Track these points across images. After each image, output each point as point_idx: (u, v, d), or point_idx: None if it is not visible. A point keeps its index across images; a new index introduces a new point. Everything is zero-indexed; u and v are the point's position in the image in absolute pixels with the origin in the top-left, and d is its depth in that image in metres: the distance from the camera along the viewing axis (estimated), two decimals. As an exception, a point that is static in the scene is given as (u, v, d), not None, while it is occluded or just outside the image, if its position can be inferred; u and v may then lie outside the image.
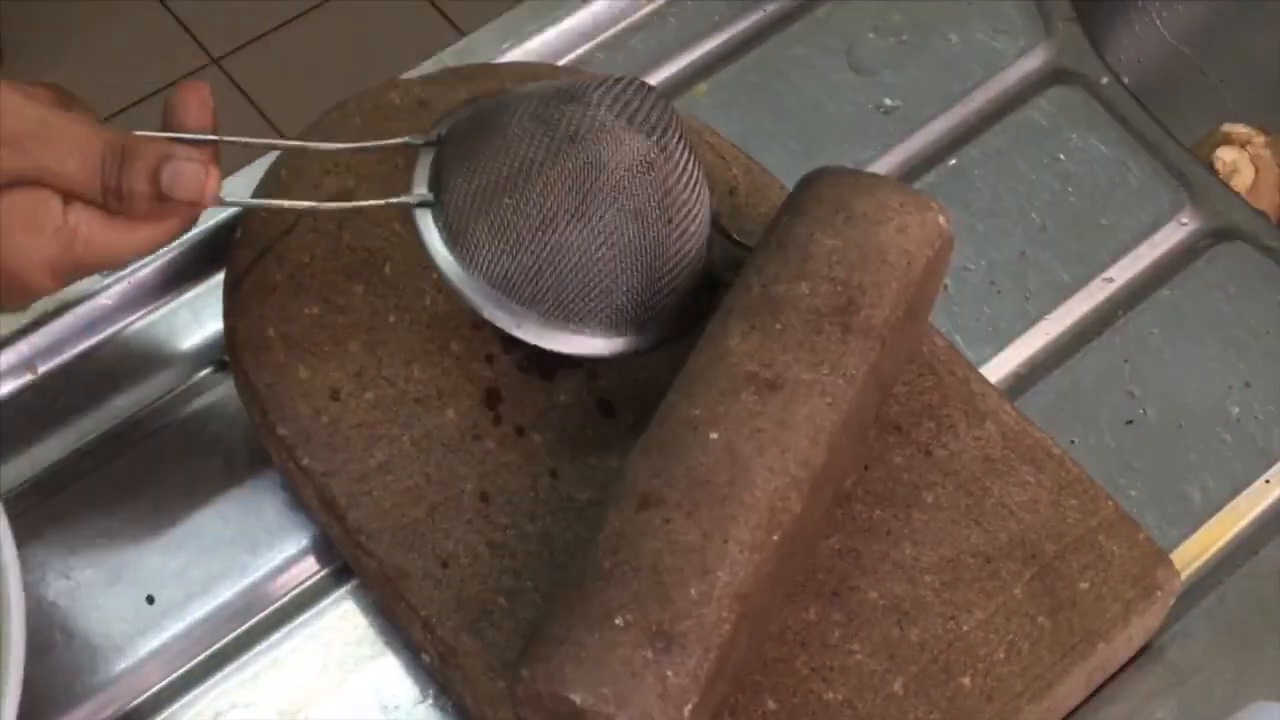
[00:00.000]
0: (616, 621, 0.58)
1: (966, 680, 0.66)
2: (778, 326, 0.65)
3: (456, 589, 0.67)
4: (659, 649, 0.58)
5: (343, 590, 0.72)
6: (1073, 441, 0.77)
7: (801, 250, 0.67)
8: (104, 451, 0.75)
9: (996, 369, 0.79)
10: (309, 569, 0.73)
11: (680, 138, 0.68)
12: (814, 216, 0.68)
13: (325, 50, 1.88)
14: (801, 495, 0.62)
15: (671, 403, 0.65)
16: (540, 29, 0.89)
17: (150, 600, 0.71)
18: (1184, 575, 0.72)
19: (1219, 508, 0.76)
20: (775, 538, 0.61)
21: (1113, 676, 0.71)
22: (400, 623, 0.69)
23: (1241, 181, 0.96)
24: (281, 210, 0.74)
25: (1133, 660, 0.71)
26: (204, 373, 0.78)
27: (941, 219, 0.69)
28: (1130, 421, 0.78)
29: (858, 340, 0.65)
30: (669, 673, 0.58)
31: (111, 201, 0.62)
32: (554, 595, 0.62)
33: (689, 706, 0.58)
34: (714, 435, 0.62)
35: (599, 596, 0.59)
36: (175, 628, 0.71)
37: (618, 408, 0.72)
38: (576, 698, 0.58)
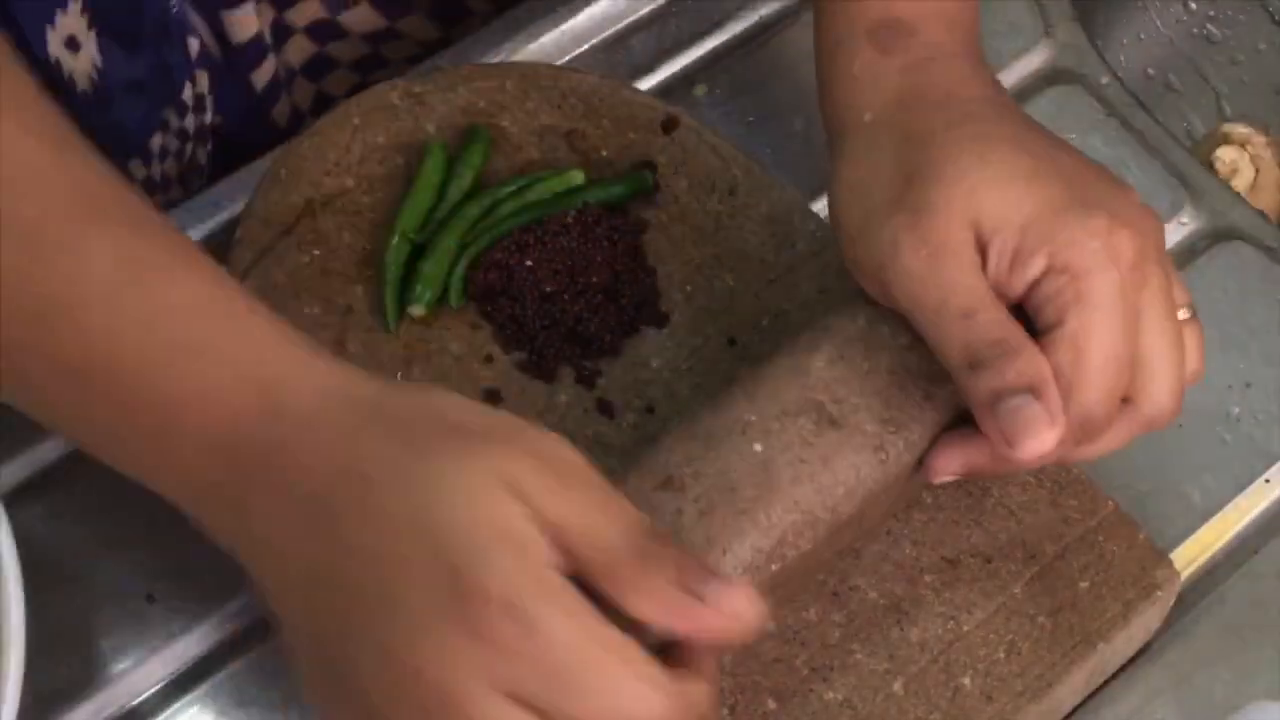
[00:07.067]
0: None
1: (966, 680, 0.66)
2: (865, 366, 0.63)
3: (456, 589, 0.67)
4: None
5: (343, 590, 0.72)
6: (1073, 441, 0.76)
7: None
8: (104, 451, 0.75)
9: (996, 369, 0.79)
10: (309, 569, 0.73)
11: None
12: None
13: (325, 50, 1.88)
14: (815, 537, 0.61)
15: (734, 396, 0.63)
16: (540, 29, 0.88)
17: (150, 600, 0.71)
18: (1184, 575, 0.72)
19: (1219, 508, 0.76)
20: (774, 568, 0.61)
21: (1113, 676, 0.71)
22: (400, 623, 0.69)
23: (1241, 181, 0.96)
24: None
25: (1133, 660, 0.71)
26: (204, 373, 0.78)
27: None
28: (1130, 421, 0.78)
29: (936, 411, 0.63)
30: None
31: None
32: None
33: None
34: (758, 447, 0.61)
35: None
36: (175, 628, 0.71)
37: (618, 408, 0.72)
38: None
